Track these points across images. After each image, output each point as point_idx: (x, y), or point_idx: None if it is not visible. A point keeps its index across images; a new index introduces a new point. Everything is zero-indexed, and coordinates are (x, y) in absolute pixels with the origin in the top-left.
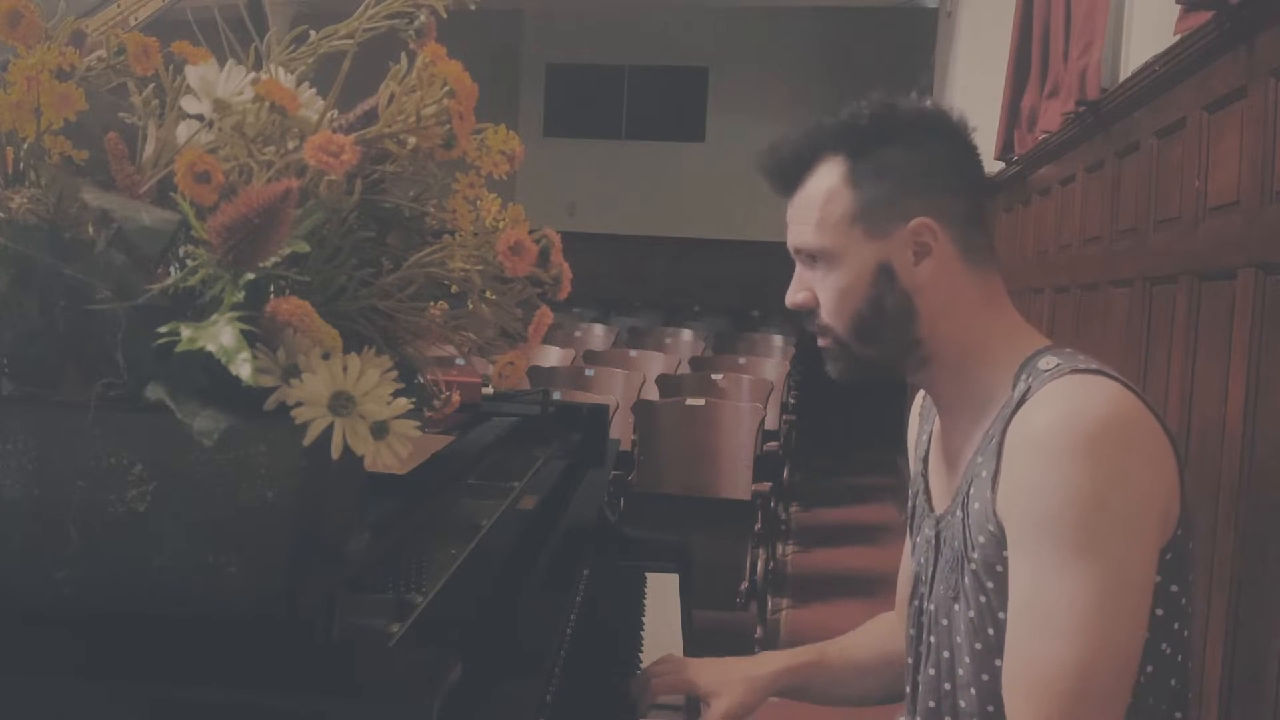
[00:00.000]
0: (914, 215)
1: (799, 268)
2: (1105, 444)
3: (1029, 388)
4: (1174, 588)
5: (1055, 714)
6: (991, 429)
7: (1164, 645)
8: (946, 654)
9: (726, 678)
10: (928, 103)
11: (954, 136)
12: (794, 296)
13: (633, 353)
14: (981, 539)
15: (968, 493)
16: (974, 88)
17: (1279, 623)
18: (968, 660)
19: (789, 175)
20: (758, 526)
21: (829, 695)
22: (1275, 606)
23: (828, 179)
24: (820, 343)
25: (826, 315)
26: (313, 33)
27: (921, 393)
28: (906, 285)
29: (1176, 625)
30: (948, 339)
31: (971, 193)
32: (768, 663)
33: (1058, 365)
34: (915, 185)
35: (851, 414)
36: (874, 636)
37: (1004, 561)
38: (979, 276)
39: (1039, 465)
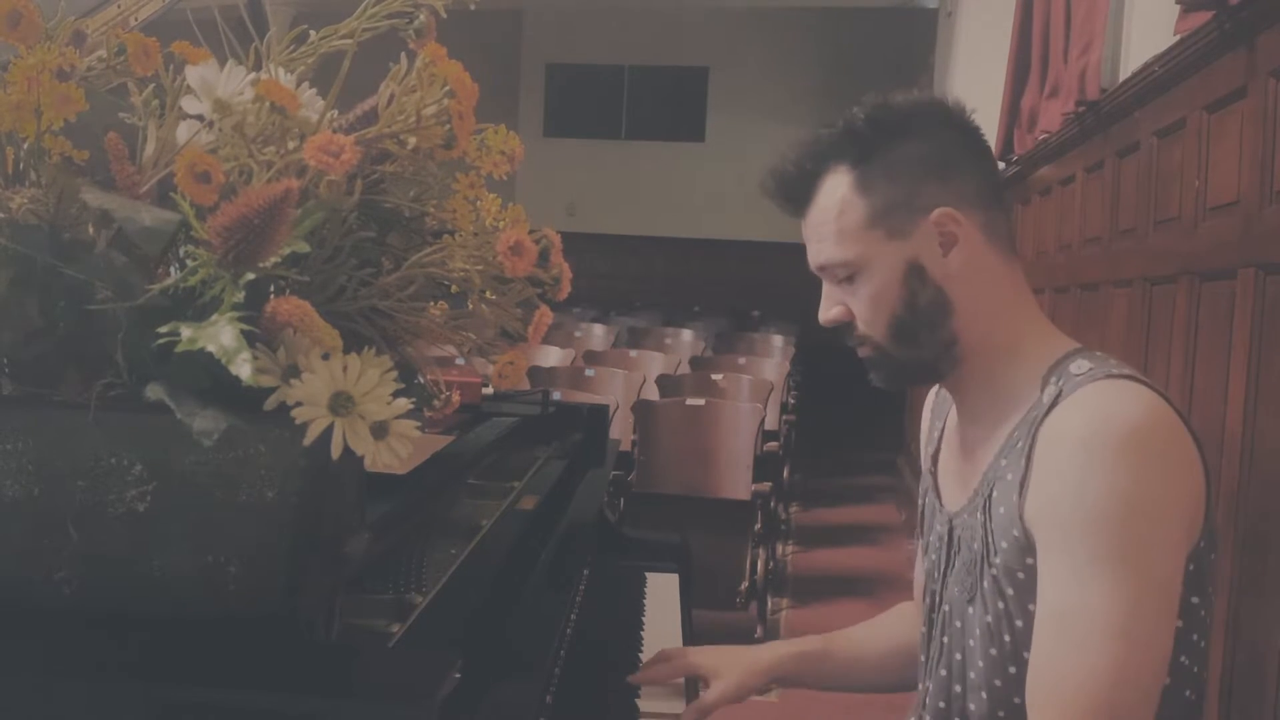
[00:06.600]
0: (934, 206)
1: (826, 285)
2: (1140, 449)
3: (1060, 391)
4: (1194, 599)
5: None
6: (1017, 432)
7: (1182, 657)
8: (959, 656)
9: (727, 660)
10: (918, 93)
11: (954, 120)
12: (827, 313)
13: (633, 353)
14: (1004, 544)
15: (989, 495)
16: (974, 88)
17: (1279, 623)
18: (981, 664)
19: (797, 195)
20: (758, 526)
21: (834, 684)
22: (1275, 606)
23: (837, 190)
24: (861, 353)
25: (863, 325)
26: (313, 33)
27: (935, 389)
28: (938, 278)
29: (1195, 637)
30: (980, 334)
31: (984, 173)
32: (770, 649)
33: (1090, 370)
34: (928, 175)
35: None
36: (892, 627)
37: (1026, 569)
38: (1004, 259)
39: (1073, 469)
